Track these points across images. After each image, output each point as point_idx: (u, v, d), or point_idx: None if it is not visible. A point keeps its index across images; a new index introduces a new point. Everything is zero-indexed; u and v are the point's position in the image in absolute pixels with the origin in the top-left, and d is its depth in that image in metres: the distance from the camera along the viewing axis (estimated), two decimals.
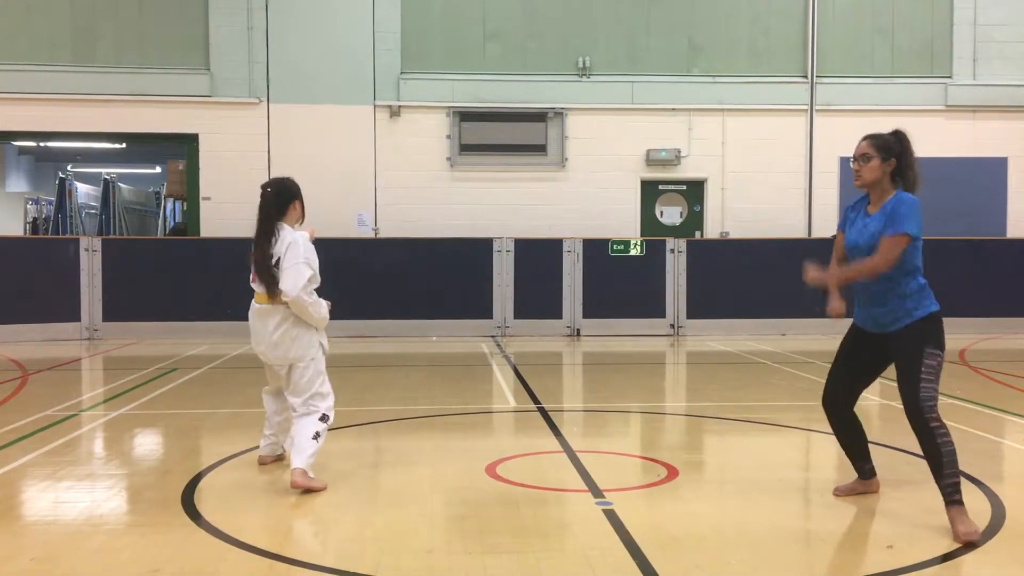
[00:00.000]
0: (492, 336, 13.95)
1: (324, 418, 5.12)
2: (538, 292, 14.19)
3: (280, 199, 5.17)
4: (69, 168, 20.74)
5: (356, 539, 4.26)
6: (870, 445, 4.99)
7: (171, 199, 18.19)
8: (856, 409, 4.89)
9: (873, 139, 4.63)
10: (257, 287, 5.14)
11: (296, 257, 4.98)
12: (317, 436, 5.07)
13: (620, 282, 14.22)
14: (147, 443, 6.62)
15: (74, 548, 4.11)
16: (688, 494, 5.08)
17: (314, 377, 5.14)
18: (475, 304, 14.08)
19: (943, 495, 4.25)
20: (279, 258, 5.01)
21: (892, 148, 4.59)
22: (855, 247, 4.56)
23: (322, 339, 5.25)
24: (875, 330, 4.56)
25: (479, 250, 14.10)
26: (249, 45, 14.70)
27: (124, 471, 5.62)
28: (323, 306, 5.16)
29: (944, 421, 4.28)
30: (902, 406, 4.39)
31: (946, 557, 3.92)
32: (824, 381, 4.93)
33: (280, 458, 5.63)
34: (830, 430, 5.00)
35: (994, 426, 6.96)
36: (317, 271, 5.09)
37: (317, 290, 5.15)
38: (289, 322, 5.09)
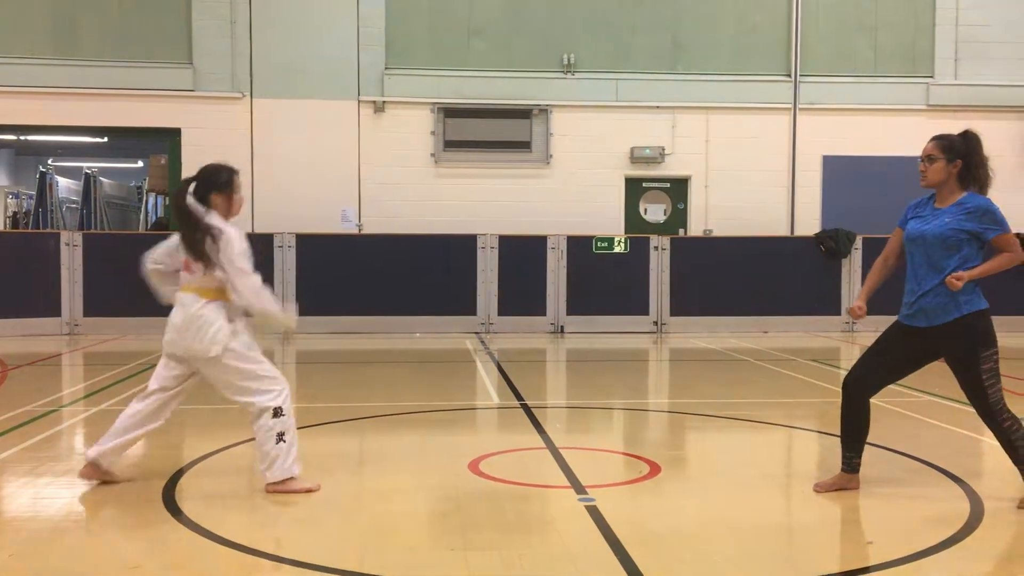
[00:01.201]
0: (476, 333, 13.94)
1: (278, 412, 4.80)
2: (522, 289, 14.19)
3: (201, 189, 4.86)
4: (50, 162, 20.56)
5: (339, 535, 4.26)
6: None
7: (153, 194, 18.07)
8: (833, 407, 4.92)
9: (940, 140, 4.71)
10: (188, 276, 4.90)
11: (230, 252, 4.72)
12: (281, 438, 4.79)
13: (604, 279, 14.24)
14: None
15: (53, 544, 4.08)
16: (670, 490, 5.09)
17: (234, 374, 4.81)
18: (459, 301, 14.07)
19: None
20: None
21: (957, 149, 4.67)
22: (920, 236, 4.65)
23: (243, 334, 4.89)
24: (924, 324, 4.65)
25: (463, 246, 14.09)
26: (232, 39, 14.62)
27: None
28: (271, 295, 4.92)
29: (1013, 414, 4.54)
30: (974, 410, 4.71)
31: (925, 553, 3.95)
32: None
33: (108, 476, 5.02)
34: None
35: (973, 423, 6.99)
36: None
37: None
38: (200, 305, 4.79)
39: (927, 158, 4.66)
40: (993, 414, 4.49)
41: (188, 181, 4.92)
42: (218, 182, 4.88)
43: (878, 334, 4.92)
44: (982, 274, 4.57)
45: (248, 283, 4.75)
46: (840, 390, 4.96)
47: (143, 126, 14.87)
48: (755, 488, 5.07)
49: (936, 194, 4.71)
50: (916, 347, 4.68)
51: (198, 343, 4.79)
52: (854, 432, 4.87)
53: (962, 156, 4.64)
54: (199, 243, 4.74)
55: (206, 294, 4.81)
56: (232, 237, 4.75)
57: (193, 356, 4.84)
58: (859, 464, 4.90)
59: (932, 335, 4.61)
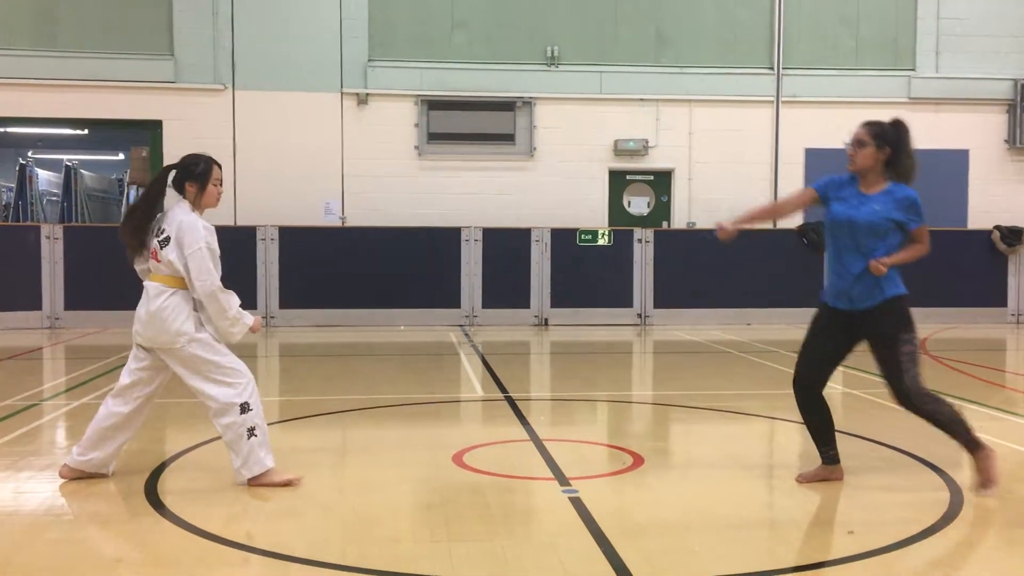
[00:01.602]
0: (460, 325, 13.94)
1: (245, 408, 4.70)
2: (506, 281, 14.19)
3: (178, 177, 4.81)
4: (30, 154, 20.38)
5: (322, 528, 4.25)
6: (836, 434, 5.04)
7: (134, 186, 17.93)
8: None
9: (870, 126, 4.75)
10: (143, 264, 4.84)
11: (192, 240, 4.63)
12: (252, 433, 4.72)
13: (588, 272, 14.27)
14: None
15: (34, 538, 4.06)
16: (653, 481, 5.11)
17: (197, 366, 4.70)
18: (443, 293, 14.06)
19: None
20: (168, 236, 4.68)
21: (888, 137, 4.71)
22: (849, 221, 4.69)
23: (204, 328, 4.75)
24: (846, 307, 4.69)
25: (447, 239, 14.08)
26: (214, 31, 14.52)
27: None
28: (234, 304, 4.72)
29: (934, 393, 4.63)
30: (890, 392, 4.70)
31: (906, 542, 3.99)
32: (791, 368, 4.99)
33: (90, 476, 4.97)
34: (794, 418, 5.06)
35: None
36: (216, 252, 4.72)
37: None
38: (167, 295, 4.69)
39: (857, 143, 4.72)
40: (911, 398, 4.57)
41: (169, 168, 4.90)
42: (194, 172, 4.81)
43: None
44: (901, 261, 4.68)
45: (203, 270, 4.64)
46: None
47: (124, 118, 14.74)
48: (737, 479, 5.10)
49: (861, 179, 4.75)
50: (843, 330, 4.74)
51: (164, 334, 4.71)
52: (820, 429, 4.92)
53: (891, 144, 4.69)
54: (140, 225, 4.75)
55: (172, 283, 4.72)
56: (195, 227, 4.66)
57: (159, 347, 4.76)
58: (837, 455, 4.93)
59: (857, 318, 4.70)
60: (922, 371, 4.63)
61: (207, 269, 4.64)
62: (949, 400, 4.65)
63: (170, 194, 4.98)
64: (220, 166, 4.94)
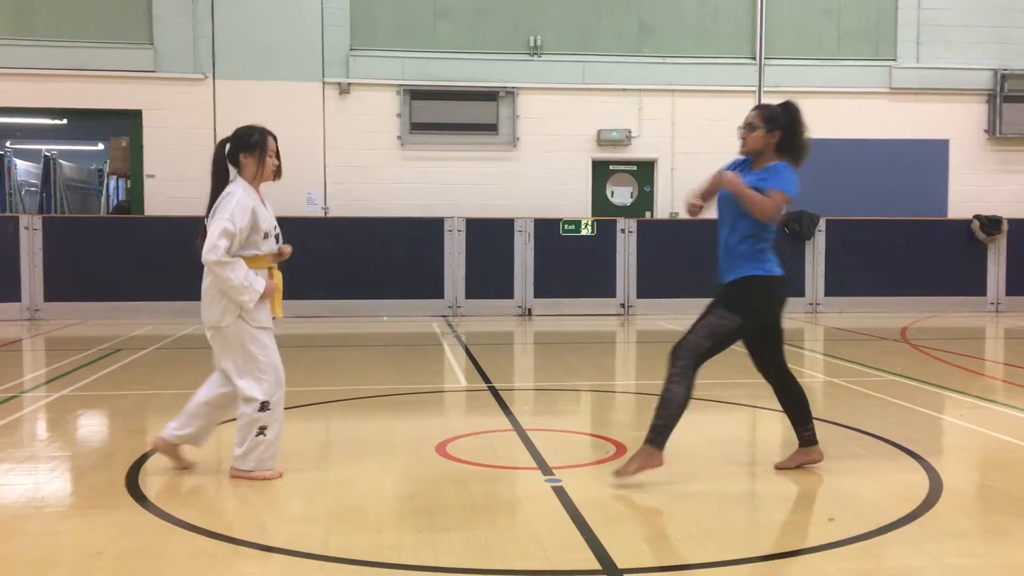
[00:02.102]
0: (443, 316, 13.93)
1: (264, 407, 4.70)
2: (489, 272, 14.18)
3: (232, 150, 4.76)
4: (8, 144, 20.19)
5: (305, 519, 4.24)
6: (816, 422, 5.07)
7: (114, 177, 17.80)
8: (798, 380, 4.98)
9: (761, 110, 4.81)
10: None
11: (222, 212, 4.54)
12: (263, 432, 4.72)
13: (571, 262, 14.28)
14: (90, 425, 6.50)
15: (14, 530, 4.03)
16: None
17: (236, 352, 4.68)
18: (426, 284, 14.04)
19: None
20: (213, 212, 4.62)
21: (778, 120, 4.73)
22: (723, 196, 4.80)
23: (256, 313, 4.66)
24: (719, 280, 4.85)
25: (430, 229, 14.05)
26: (194, 19, 14.40)
27: (66, 453, 5.52)
28: (242, 274, 4.55)
29: (687, 374, 4.60)
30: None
31: (885, 529, 4.02)
32: None
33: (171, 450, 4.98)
34: (776, 407, 5.09)
35: (934, 402, 7.14)
36: (243, 226, 4.56)
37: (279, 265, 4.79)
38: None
39: (748, 126, 4.77)
40: (677, 350, 4.68)
41: (224, 141, 4.83)
42: (248, 143, 4.75)
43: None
44: (743, 193, 4.59)
45: (209, 243, 4.53)
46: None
47: (103, 108, 14.61)
48: (719, 467, 5.13)
49: (753, 161, 4.82)
50: None
51: (208, 312, 4.70)
52: (791, 408, 4.95)
53: (782, 127, 4.72)
54: (209, 204, 4.70)
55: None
56: (231, 199, 4.58)
57: (208, 324, 4.75)
58: (811, 436, 4.95)
59: (719, 291, 4.79)
60: (708, 349, 4.64)
61: (212, 243, 4.52)
62: (683, 392, 4.59)
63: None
64: (275, 137, 4.85)
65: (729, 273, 4.74)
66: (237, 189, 4.68)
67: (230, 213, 4.55)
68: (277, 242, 4.87)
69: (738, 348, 4.95)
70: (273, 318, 4.82)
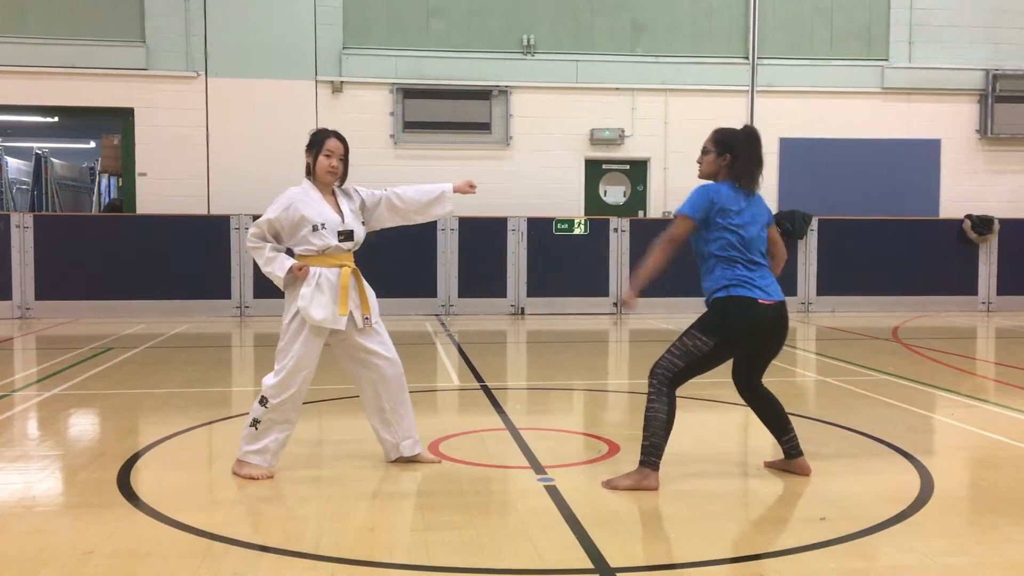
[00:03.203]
0: (436, 315, 13.92)
1: (263, 401, 4.75)
2: (482, 271, 14.19)
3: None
4: None
5: (297, 518, 4.24)
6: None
7: (106, 175, 17.75)
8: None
9: (716, 133, 4.79)
10: None
11: (270, 204, 4.85)
12: (255, 424, 4.76)
13: (564, 261, 14.28)
14: (82, 424, 6.48)
15: (5, 530, 4.02)
16: (628, 469, 5.12)
17: (280, 349, 4.77)
18: (419, 283, 14.03)
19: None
20: None
21: (728, 143, 4.70)
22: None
23: (311, 308, 4.68)
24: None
25: (423, 228, 13.96)
26: (186, 17, 14.36)
27: (58, 452, 5.50)
28: (264, 258, 4.75)
29: (665, 390, 4.55)
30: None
31: (876, 528, 4.03)
32: None
33: (409, 460, 5.04)
34: None
35: (925, 401, 7.16)
36: (272, 217, 4.74)
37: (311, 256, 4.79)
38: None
39: (703, 150, 4.77)
40: (652, 373, 4.60)
41: None
42: (311, 141, 4.89)
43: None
44: (645, 276, 4.75)
45: (249, 232, 4.85)
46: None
47: (95, 105, 14.55)
48: (710, 466, 5.13)
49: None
50: None
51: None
52: (767, 420, 4.92)
53: (730, 150, 4.67)
54: None
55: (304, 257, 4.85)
56: (281, 195, 4.82)
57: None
58: (794, 447, 4.87)
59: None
60: (681, 371, 4.55)
61: (250, 230, 4.83)
62: (664, 410, 4.52)
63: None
64: (342, 139, 4.90)
65: (706, 299, 4.72)
66: (294, 187, 4.88)
67: (271, 206, 4.81)
68: (347, 239, 4.84)
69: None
70: (366, 319, 4.87)
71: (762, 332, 4.62)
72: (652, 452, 4.55)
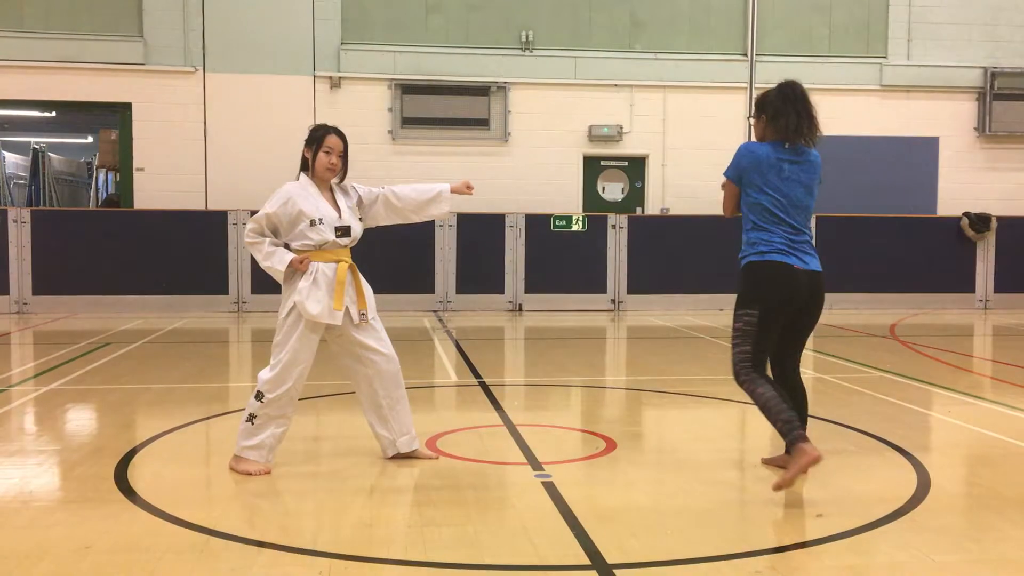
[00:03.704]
0: (434, 311, 13.92)
1: (259, 396, 4.74)
2: (480, 267, 14.18)
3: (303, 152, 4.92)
4: None
5: (294, 514, 4.24)
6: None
7: (103, 170, 17.73)
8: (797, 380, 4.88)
9: (757, 97, 4.75)
10: None
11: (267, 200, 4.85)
12: (251, 419, 4.76)
13: (562, 257, 14.28)
14: (79, 419, 6.48)
15: (2, 525, 4.01)
16: (626, 466, 5.14)
17: (276, 343, 4.77)
18: (417, 279, 14.03)
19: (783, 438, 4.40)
20: None
21: (760, 103, 4.68)
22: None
23: (307, 303, 4.68)
24: None
25: (421, 224, 13.95)
26: (184, 12, 14.33)
27: (55, 447, 5.49)
28: (263, 252, 4.74)
29: (755, 376, 4.47)
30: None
31: (873, 525, 4.04)
32: None
33: (406, 456, 5.03)
34: None
35: (922, 398, 7.17)
36: (270, 212, 4.73)
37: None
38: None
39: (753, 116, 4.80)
40: (735, 375, 4.55)
41: None
42: (310, 136, 4.88)
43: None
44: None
45: (247, 227, 4.84)
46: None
47: (93, 100, 14.53)
48: (708, 463, 5.14)
49: None
50: None
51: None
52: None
53: (762, 109, 4.64)
54: None
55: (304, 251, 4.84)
56: (279, 189, 4.83)
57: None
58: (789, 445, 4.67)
59: None
60: (753, 354, 4.48)
61: (248, 224, 4.82)
62: (766, 390, 4.40)
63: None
64: (342, 136, 4.90)
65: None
66: (292, 182, 4.87)
67: (268, 200, 4.81)
68: (344, 235, 4.84)
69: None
70: (362, 314, 4.88)
71: (800, 299, 4.51)
72: (790, 428, 4.30)
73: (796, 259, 4.50)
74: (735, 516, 4.31)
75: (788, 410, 4.33)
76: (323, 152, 4.81)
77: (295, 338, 4.74)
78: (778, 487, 4.33)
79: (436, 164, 14.90)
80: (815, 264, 4.58)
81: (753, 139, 4.82)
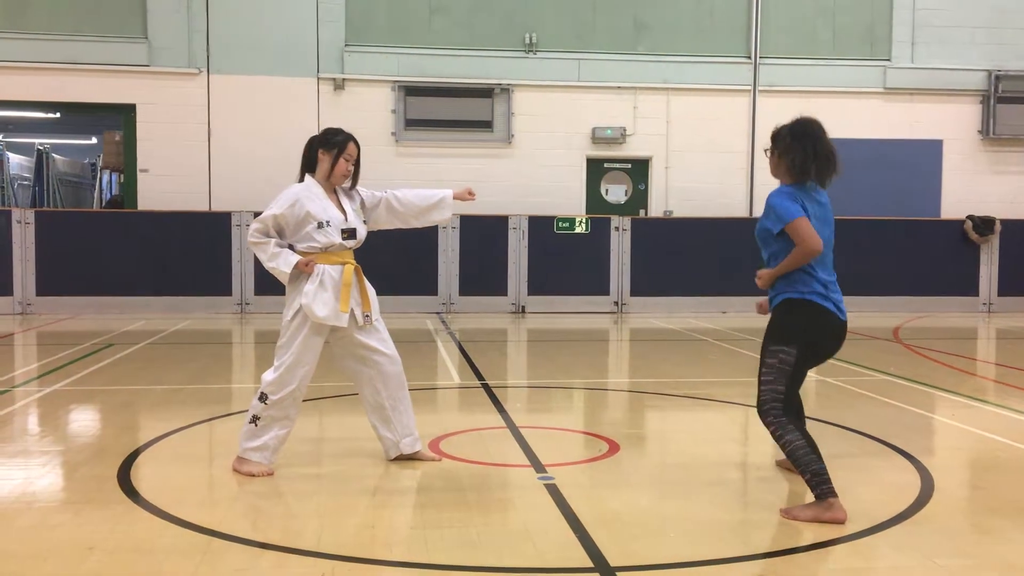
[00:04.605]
0: (437, 313, 13.92)
1: (263, 397, 4.75)
2: (483, 269, 14.18)
3: (315, 145, 4.89)
4: (1, 138, 20.11)
5: (297, 515, 4.24)
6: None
7: (107, 171, 17.78)
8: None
9: (774, 131, 4.51)
10: None
11: (272, 201, 4.82)
12: (254, 421, 4.77)
13: (565, 259, 14.28)
14: (82, 420, 6.49)
15: (6, 526, 4.02)
16: (628, 468, 5.14)
17: (280, 346, 4.78)
18: (420, 280, 14.03)
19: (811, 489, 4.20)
20: None
21: (773, 137, 4.48)
22: (759, 234, 4.50)
23: (314, 305, 4.68)
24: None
25: (423, 227, 13.99)
26: (188, 14, 14.35)
27: (58, 448, 5.50)
28: (268, 253, 4.70)
29: (785, 420, 4.23)
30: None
31: (876, 528, 4.03)
32: None
33: (409, 458, 5.03)
34: None
35: (925, 401, 7.16)
36: (278, 213, 4.71)
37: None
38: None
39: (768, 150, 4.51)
40: (762, 414, 4.30)
41: (314, 137, 4.98)
42: (331, 140, 4.87)
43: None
44: (778, 273, 4.31)
45: (251, 227, 4.80)
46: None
47: (97, 102, 14.54)
48: (711, 465, 5.13)
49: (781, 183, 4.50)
50: None
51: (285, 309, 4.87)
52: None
53: (776, 146, 4.42)
54: None
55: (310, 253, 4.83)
56: (286, 190, 4.81)
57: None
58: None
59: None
60: (785, 394, 4.26)
61: (253, 225, 4.80)
62: (795, 438, 4.18)
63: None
64: (357, 144, 4.95)
65: (772, 302, 4.44)
66: (298, 184, 4.86)
67: (274, 202, 4.80)
68: (350, 237, 4.86)
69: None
70: (366, 316, 4.88)
71: (832, 342, 4.36)
72: (820, 481, 4.13)
73: (833, 305, 4.32)
74: (738, 519, 4.30)
75: (818, 460, 4.18)
76: (344, 159, 4.84)
77: (300, 340, 4.74)
78: (786, 514, 4.22)
79: (439, 166, 14.90)
80: (845, 314, 4.40)
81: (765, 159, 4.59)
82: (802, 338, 4.27)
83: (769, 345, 4.33)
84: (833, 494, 4.13)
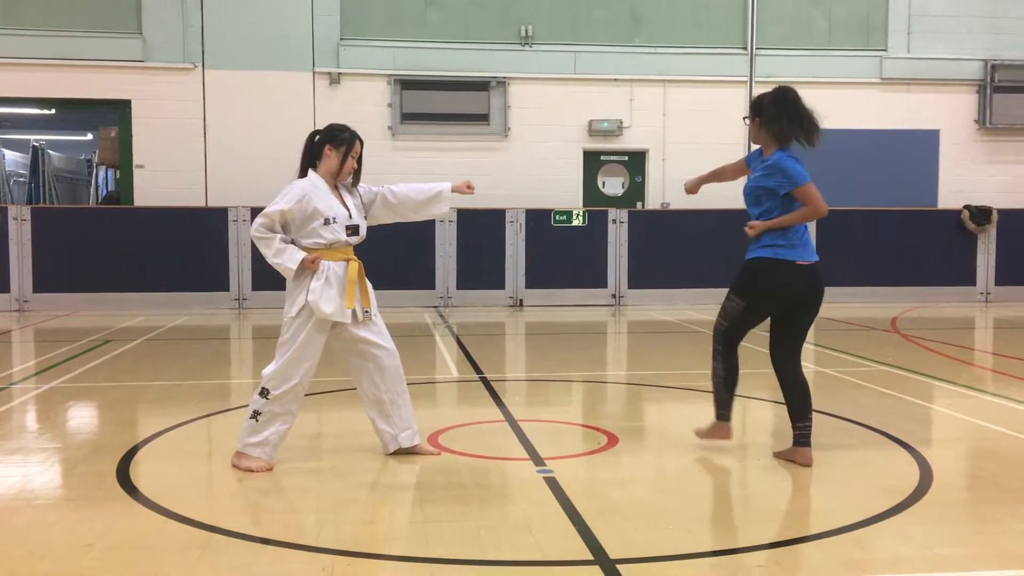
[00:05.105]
0: (435, 306, 13.91)
1: (264, 393, 4.75)
2: (481, 262, 14.17)
3: (320, 141, 4.85)
4: None
5: (297, 511, 4.24)
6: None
7: (103, 167, 17.72)
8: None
9: (753, 100, 5.02)
10: None
11: (277, 196, 4.78)
12: (255, 416, 4.76)
13: (562, 252, 14.28)
14: (80, 416, 6.48)
15: (4, 523, 4.01)
16: (628, 461, 5.14)
17: (283, 342, 4.77)
18: (417, 274, 14.02)
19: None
20: None
21: (756, 107, 4.91)
22: (748, 192, 4.98)
23: (321, 302, 4.68)
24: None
25: (421, 220, 13.98)
26: (183, 9, 14.30)
27: (56, 445, 5.50)
28: (273, 248, 4.67)
29: (720, 349, 5.01)
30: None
31: (875, 519, 4.04)
32: (763, 347, 5.08)
33: (408, 452, 5.04)
34: (767, 396, 5.10)
35: (923, 391, 7.16)
36: (284, 208, 4.67)
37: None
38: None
39: (747, 118, 4.97)
40: (713, 337, 5.04)
41: (315, 133, 4.94)
42: (338, 137, 4.85)
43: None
44: (777, 224, 4.80)
45: (255, 222, 4.75)
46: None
47: (92, 97, 14.50)
48: (710, 457, 5.14)
49: (762, 151, 4.99)
50: None
51: (286, 305, 4.84)
52: (786, 401, 5.00)
53: (757, 113, 4.88)
54: None
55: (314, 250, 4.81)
56: (292, 186, 4.77)
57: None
58: (802, 435, 4.92)
59: None
60: (728, 327, 4.94)
61: (258, 219, 4.73)
62: (718, 365, 5.00)
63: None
64: (362, 141, 4.95)
65: (748, 255, 4.97)
66: (302, 179, 4.83)
67: (280, 197, 4.75)
68: (354, 233, 4.86)
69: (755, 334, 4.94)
70: (365, 312, 4.89)
71: (797, 294, 4.81)
72: (718, 405, 4.99)
73: (799, 253, 4.82)
74: (737, 510, 4.31)
75: (723, 390, 5.00)
76: (351, 157, 4.86)
77: (303, 337, 4.74)
78: (699, 433, 5.14)
79: (436, 160, 14.89)
80: (813, 254, 4.89)
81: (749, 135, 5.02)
82: (751, 297, 4.86)
83: (730, 291, 4.97)
84: (726, 419, 5.02)
